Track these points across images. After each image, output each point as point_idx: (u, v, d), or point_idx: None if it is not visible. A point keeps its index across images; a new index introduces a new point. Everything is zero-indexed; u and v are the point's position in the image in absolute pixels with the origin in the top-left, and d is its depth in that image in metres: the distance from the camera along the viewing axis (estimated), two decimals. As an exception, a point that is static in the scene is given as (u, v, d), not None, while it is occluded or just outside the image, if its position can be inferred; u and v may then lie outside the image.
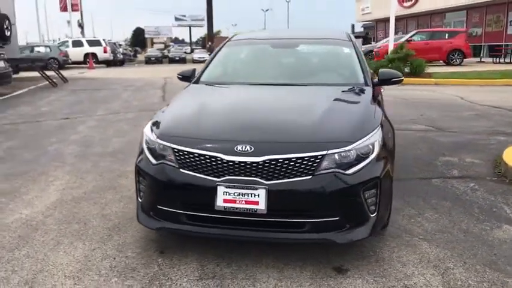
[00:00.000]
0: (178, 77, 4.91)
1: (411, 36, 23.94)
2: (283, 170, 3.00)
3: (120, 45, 51.48)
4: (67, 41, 35.21)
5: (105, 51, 33.45)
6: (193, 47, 77.07)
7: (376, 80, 4.46)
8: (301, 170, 3.00)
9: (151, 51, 50.17)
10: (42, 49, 29.66)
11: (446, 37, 23.59)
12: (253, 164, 3.01)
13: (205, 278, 3.04)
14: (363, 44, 31.79)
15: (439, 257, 3.29)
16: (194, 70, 4.89)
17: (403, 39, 22.47)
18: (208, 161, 3.09)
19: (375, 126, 3.35)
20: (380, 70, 4.54)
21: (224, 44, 5.24)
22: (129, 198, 4.47)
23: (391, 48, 17.96)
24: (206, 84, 4.55)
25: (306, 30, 8.62)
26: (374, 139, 3.22)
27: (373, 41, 40.33)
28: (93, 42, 34.03)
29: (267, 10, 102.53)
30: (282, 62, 4.94)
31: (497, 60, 24.44)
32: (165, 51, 56.59)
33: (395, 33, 30.55)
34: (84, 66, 30.99)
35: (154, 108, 7.80)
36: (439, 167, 5.50)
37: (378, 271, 3.11)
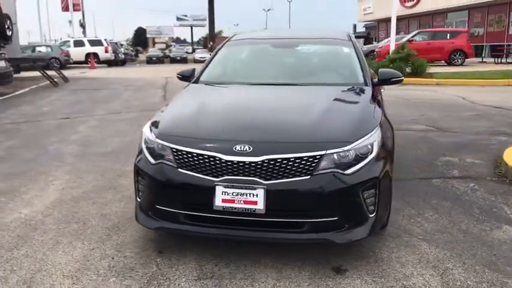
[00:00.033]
0: (178, 77, 4.91)
1: (413, 36, 23.91)
2: (281, 169, 3.00)
3: (121, 45, 51.52)
4: (68, 41, 35.25)
5: (106, 51, 33.48)
6: (195, 47, 77.15)
7: (376, 79, 4.45)
8: (299, 170, 2.99)
9: (153, 51, 50.23)
10: (43, 49, 29.71)
11: (448, 37, 23.56)
12: (252, 164, 3.01)
13: (204, 278, 3.04)
14: (365, 44, 31.77)
15: (438, 257, 3.28)
16: (194, 70, 4.89)
17: (404, 39, 22.45)
18: (206, 160, 3.08)
19: (374, 126, 3.34)
20: (380, 70, 4.53)
21: (224, 44, 5.24)
22: (128, 198, 4.47)
23: (392, 48, 17.94)
24: (206, 84, 4.54)
25: (306, 30, 8.62)
26: (373, 139, 3.21)
27: (375, 41, 40.28)
28: (95, 42, 34.05)
29: (268, 10, 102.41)
30: (281, 62, 4.93)
31: (499, 61, 24.39)
32: (167, 51, 56.59)
33: (397, 33, 30.58)
34: (86, 66, 31.03)
35: (155, 108, 7.79)
36: (439, 167, 5.49)
37: (377, 271, 3.10)
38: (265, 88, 4.32)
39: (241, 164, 3.02)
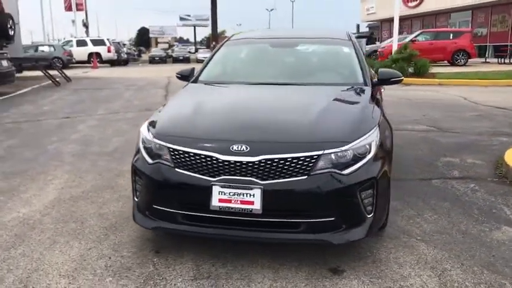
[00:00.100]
0: (177, 76, 4.91)
1: (416, 37, 23.86)
2: (278, 169, 2.98)
3: (124, 44, 51.60)
4: (71, 41, 35.29)
5: (109, 51, 33.51)
6: (198, 46, 77.16)
7: (376, 79, 4.43)
8: (296, 170, 2.98)
9: (156, 51, 50.26)
10: (46, 48, 29.73)
11: (451, 37, 23.49)
12: (249, 164, 2.99)
13: (200, 278, 3.03)
14: (368, 44, 31.66)
15: (437, 258, 3.26)
16: (193, 69, 4.88)
17: (407, 40, 22.40)
18: (203, 160, 3.07)
19: (372, 126, 3.31)
20: (379, 70, 4.51)
21: (223, 44, 5.23)
22: (126, 197, 4.46)
23: (395, 48, 17.90)
24: (205, 84, 4.53)
25: (306, 29, 8.60)
26: (371, 139, 3.19)
27: (378, 41, 40.20)
28: (97, 42, 34.09)
29: (271, 10, 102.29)
30: (280, 62, 4.91)
31: (502, 61, 24.31)
32: (169, 50, 56.65)
33: (400, 33, 30.51)
34: (88, 65, 31.05)
35: (156, 108, 7.78)
36: (439, 168, 5.46)
37: (375, 272, 3.08)
38: (263, 88, 4.31)
39: (238, 163, 3.01)
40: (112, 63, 34.04)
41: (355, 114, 3.50)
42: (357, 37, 32.12)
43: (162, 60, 44.13)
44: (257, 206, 2.95)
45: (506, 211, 4.11)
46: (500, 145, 6.43)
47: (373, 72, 5.25)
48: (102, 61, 32.85)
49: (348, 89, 4.13)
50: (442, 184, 4.87)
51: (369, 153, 3.14)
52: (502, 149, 5.97)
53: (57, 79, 16.78)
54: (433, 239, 3.57)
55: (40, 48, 30.03)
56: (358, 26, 57.16)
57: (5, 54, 13.83)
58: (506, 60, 24.36)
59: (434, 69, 17.20)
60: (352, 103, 3.85)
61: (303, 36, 5.49)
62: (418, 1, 35.88)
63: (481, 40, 30.31)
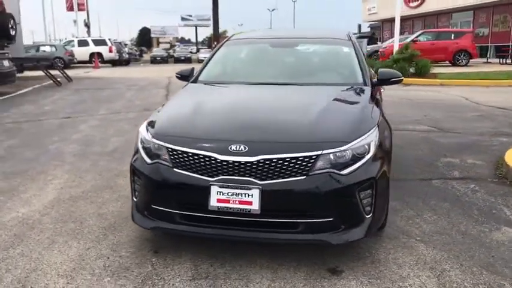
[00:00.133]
0: (177, 76, 4.91)
1: (417, 37, 23.83)
2: (277, 170, 2.97)
3: (125, 44, 51.63)
4: (73, 41, 35.31)
5: (110, 51, 33.52)
6: (199, 46, 77.12)
7: (375, 79, 4.42)
8: (295, 170, 2.97)
9: (157, 51, 50.25)
10: (47, 48, 29.77)
11: (452, 37, 23.46)
12: (247, 164, 2.99)
13: (198, 278, 3.02)
14: (369, 44, 31.62)
15: (436, 258, 3.25)
16: (193, 69, 4.88)
17: (408, 40, 22.38)
18: (202, 160, 3.06)
19: (371, 127, 3.31)
20: (379, 70, 4.50)
21: (223, 44, 5.22)
22: (126, 197, 4.45)
23: (396, 48, 17.89)
24: (204, 84, 4.53)
25: (306, 29, 8.59)
26: (370, 139, 3.19)
27: (379, 41, 40.15)
28: (99, 42, 34.11)
29: (273, 10, 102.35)
30: (280, 62, 4.91)
31: (504, 61, 24.27)
32: (171, 51, 56.63)
33: (402, 33, 30.46)
34: (90, 65, 31.08)
35: (157, 108, 7.79)
36: (440, 168, 5.45)
37: (373, 272, 3.07)
38: (263, 88, 4.30)
39: (236, 163, 3.00)
40: (113, 63, 34.07)
41: (354, 114, 3.49)
42: (358, 37, 32.28)
43: (163, 60, 44.13)
44: (255, 206, 2.94)
45: (506, 212, 4.10)
46: (501, 145, 6.42)
47: (373, 72, 5.24)
48: (103, 61, 32.89)
49: (347, 89, 4.12)
50: (442, 184, 4.85)
51: (368, 153, 3.13)
52: (502, 150, 5.96)
53: (59, 79, 16.79)
54: (432, 239, 3.56)
55: (41, 48, 30.06)
56: (359, 26, 57.14)
57: (6, 54, 13.85)
58: (508, 61, 24.34)
59: (435, 70, 17.18)
60: (352, 103, 3.85)
61: (302, 36, 5.48)
62: (419, 1, 35.85)
63: (482, 40, 30.26)
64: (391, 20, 31.28)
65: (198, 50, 62.03)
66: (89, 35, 44.36)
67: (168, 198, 3.19)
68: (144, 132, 3.48)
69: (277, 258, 3.24)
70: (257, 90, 4.26)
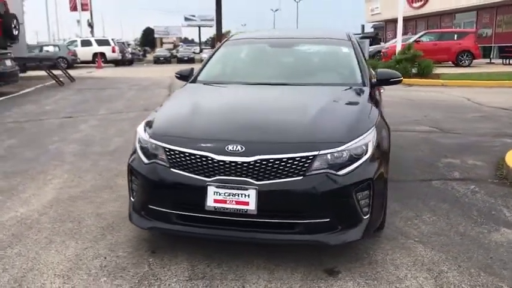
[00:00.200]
0: (176, 76, 4.91)
1: (420, 37, 23.76)
2: (274, 170, 2.97)
3: (129, 44, 51.68)
4: (76, 41, 35.39)
5: (113, 51, 33.57)
6: (203, 47, 77.17)
7: (374, 80, 4.41)
8: (292, 170, 2.96)
9: (160, 51, 50.30)
10: (51, 48, 29.85)
11: (455, 38, 23.38)
12: (244, 164, 2.98)
13: (195, 278, 3.02)
14: (372, 45, 31.56)
15: (434, 260, 3.24)
16: (192, 69, 4.88)
17: (411, 40, 22.33)
18: (198, 160, 3.06)
19: (369, 127, 3.29)
20: (378, 70, 4.49)
21: (222, 44, 5.22)
22: (125, 197, 4.41)
23: (398, 49, 17.85)
24: (203, 84, 4.53)
25: (305, 30, 8.59)
26: (368, 140, 3.17)
27: (383, 41, 40.08)
28: (102, 42, 34.16)
29: (276, 10, 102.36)
30: (279, 62, 4.90)
31: (507, 62, 24.17)
32: (174, 51, 56.66)
33: (405, 33, 30.40)
34: (93, 65, 31.13)
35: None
36: (440, 169, 5.43)
37: (370, 274, 3.06)
38: (262, 88, 4.29)
39: (233, 164, 2.99)
40: (116, 63, 34.12)
41: (352, 115, 3.48)
42: (361, 37, 32.22)
43: (166, 61, 44.14)
44: (252, 206, 2.94)
45: (506, 213, 4.08)
46: (502, 146, 6.39)
47: (373, 72, 5.21)
48: (106, 61, 32.96)
49: (346, 89, 4.10)
50: (442, 185, 4.83)
51: (366, 153, 3.12)
52: (503, 150, 5.93)
53: (61, 79, 16.82)
54: (430, 240, 3.54)
55: (45, 48, 30.16)
56: (363, 27, 57.05)
57: (9, 54, 13.88)
58: (511, 61, 24.22)
59: (438, 70, 17.13)
60: (350, 103, 3.83)
61: (302, 37, 5.47)
62: (422, 2, 35.80)
63: (486, 41, 30.17)
64: (395, 21, 31.23)
65: (201, 51, 62.13)
66: (93, 35, 44.48)
67: (165, 198, 3.19)
68: (141, 132, 3.48)
69: (274, 258, 3.23)
70: (255, 91, 4.25)
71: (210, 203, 2.99)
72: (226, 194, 2.97)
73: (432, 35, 24.48)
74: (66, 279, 3.03)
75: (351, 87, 4.13)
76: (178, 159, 3.12)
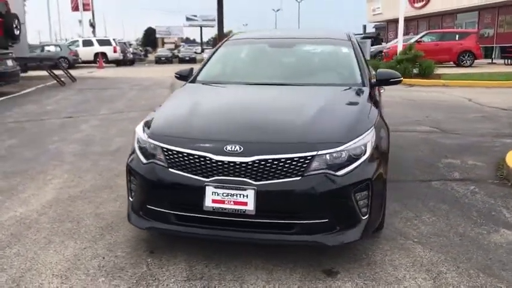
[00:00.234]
0: (176, 76, 4.90)
1: (421, 37, 23.74)
2: (272, 170, 2.96)
3: (130, 44, 51.70)
4: (77, 41, 35.41)
5: (115, 51, 33.58)
6: (204, 47, 77.14)
7: (374, 80, 4.40)
8: (290, 170, 2.96)
9: (162, 51, 50.26)
10: (52, 48, 29.87)
11: (457, 38, 23.35)
12: (242, 164, 2.98)
13: (193, 278, 3.01)
14: (374, 45, 31.51)
15: (433, 260, 3.23)
16: (191, 69, 4.88)
17: (412, 40, 22.30)
18: (197, 160, 3.05)
19: (368, 127, 3.28)
20: (378, 70, 4.48)
21: (222, 44, 5.21)
22: (124, 197, 4.41)
23: (400, 49, 17.83)
24: (202, 84, 4.52)
25: (305, 30, 8.58)
26: (366, 140, 3.17)
27: (384, 41, 40.04)
28: (103, 42, 34.16)
29: (277, 10, 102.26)
30: (278, 62, 4.88)
31: (509, 62, 24.13)
32: (176, 51, 56.63)
33: (407, 34, 30.34)
34: (94, 65, 31.13)
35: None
36: (440, 169, 5.41)
37: (369, 274, 3.05)
38: (261, 88, 4.28)
39: (231, 164, 2.99)
40: (118, 63, 34.12)
41: (351, 115, 3.47)
42: (363, 38, 32.18)
43: (168, 61, 44.09)
44: (250, 206, 2.93)
45: (506, 213, 4.07)
46: (503, 147, 6.37)
47: (373, 72, 5.21)
48: (108, 61, 32.94)
49: (345, 89, 4.09)
50: (442, 186, 4.82)
51: (364, 154, 3.11)
52: (504, 151, 5.92)
53: (62, 79, 16.83)
54: (430, 241, 3.54)
55: (46, 48, 30.18)
56: (364, 27, 57.02)
57: (10, 54, 13.89)
58: (513, 61, 24.19)
59: (439, 70, 17.11)
60: (349, 104, 3.82)
61: (301, 37, 5.46)
62: (424, 2, 35.75)
63: (487, 41, 30.13)
64: (396, 21, 31.17)
65: (202, 51, 62.05)
66: (94, 35, 44.48)
67: (163, 199, 3.18)
68: (140, 132, 3.48)
69: (273, 259, 3.22)
70: (254, 91, 4.24)
71: (208, 203, 2.99)
72: (224, 194, 2.97)
73: (434, 35, 24.44)
74: (64, 279, 3.03)
75: (350, 88, 4.12)
76: (177, 159, 3.11)
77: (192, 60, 43.58)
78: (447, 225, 3.83)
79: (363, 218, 3.08)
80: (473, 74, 17.39)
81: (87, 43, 34.02)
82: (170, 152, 3.15)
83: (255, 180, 2.95)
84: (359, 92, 4.00)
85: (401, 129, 7.65)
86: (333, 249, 3.26)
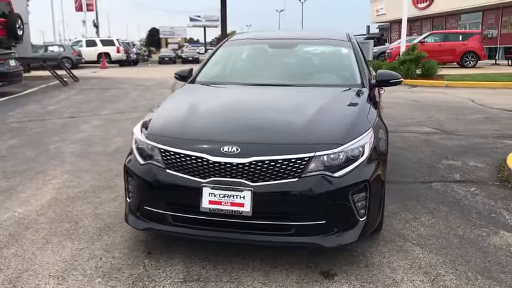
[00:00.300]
0: (176, 77, 4.90)
1: (424, 38, 23.70)
2: (269, 171, 2.94)
3: (134, 45, 51.73)
4: (81, 41, 35.50)
5: (118, 51, 33.61)
6: (208, 47, 77.19)
7: (374, 81, 4.38)
8: (287, 172, 2.94)
9: (165, 52, 50.22)
10: (56, 48, 29.98)
11: (460, 39, 23.31)
12: (239, 166, 2.96)
13: (190, 280, 3.00)
14: (378, 45, 31.45)
15: (431, 263, 3.21)
16: (191, 70, 4.87)
17: (416, 41, 22.26)
18: (194, 161, 3.04)
19: (366, 128, 3.27)
20: (378, 71, 4.46)
21: (222, 44, 5.20)
22: (123, 198, 4.42)
23: (403, 49, 17.78)
24: (201, 84, 4.51)
25: (305, 30, 8.56)
26: (365, 141, 3.15)
27: (388, 42, 39.96)
28: (107, 42, 34.23)
29: (281, 11, 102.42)
30: (278, 63, 4.87)
31: (513, 63, 24.07)
32: (179, 51, 56.65)
33: (410, 34, 30.26)
34: (97, 65, 31.20)
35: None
36: (441, 171, 5.39)
37: (366, 276, 3.04)
38: (260, 89, 4.27)
39: (228, 165, 2.98)
40: (121, 63, 34.16)
41: (350, 116, 3.45)
42: (366, 38, 32.06)
43: (171, 61, 44.06)
44: (247, 208, 2.92)
45: (506, 215, 4.04)
46: (505, 148, 6.34)
47: (374, 73, 5.19)
48: (111, 61, 33.00)
49: (344, 90, 4.07)
50: (442, 187, 4.80)
51: (362, 155, 3.10)
52: (505, 152, 5.90)
53: (65, 79, 16.87)
54: (428, 243, 3.51)
55: (50, 48, 30.30)
56: (368, 27, 56.90)
57: (13, 54, 13.93)
58: (517, 62, 24.12)
59: (442, 71, 17.07)
60: (348, 105, 3.78)
61: (301, 37, 5.44)
62: (428, 2, 35.67)
63: (491, 42, 30.03)
64: (400, 21, 31.14)
65: (206, 51, 62.12)
66: (98, 35, 44.59)
67: (160, 200, 3.17)
68: (138, 133, 3.47)
69: (271, 260, 3.21)
70: (253, 91, 4.23)
71: (205, 204, 2.97)
72: (221, 196, 2.96)
73: (437, 35, 24.42)
74: (61, 280, 3.02)
75: (349, 88, 4.10)
76: (174, 160, 3.10)
77: (195, 61, 43.51)
78: (446, 227, 3.81)
79: (361, 219, 3.06)
80: (477, 75, 17.34)
81: (91, 43, 34.08)
82: (167, 153, 3.14)
83: (252, 182, 2.94)
84: (358, 93, 3.98)
85: (403, 130, 7.63)
86: (331, 251, 3.25)
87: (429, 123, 8.39)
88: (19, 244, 3.55)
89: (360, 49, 4.81)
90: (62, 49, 29.58)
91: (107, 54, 32.67)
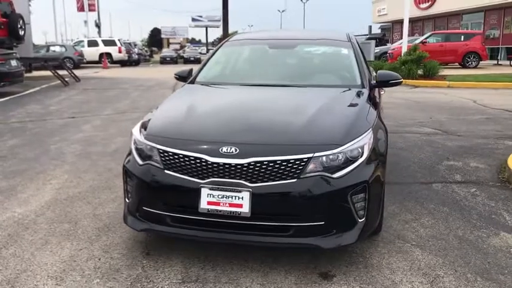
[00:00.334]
0: (175, 77, 4.89)
1: (426, 38, 23.65)
2: (268, 172, 2.94)
3: (135, 45, 51.75)
4: (82, 41, 35.53)
5: (119, 51, 33.64)
6: (210, 47, 77.20)
7: (374, 81, 4.37)
8: (286, 172, 2.93)
9: (166, 52, 50.25)
10: (57, 48, 30.02)
11: (462, 39, 23.24)
12: (238, 166, 2.95)
13: (188, 281, 2.99)
14: (379, 46, 31.38)
15: (430, 264, 3.20)
16: (191, 70, 4.87)
17: (417, 41, 22.22)
18: (192, 162, 3.04)
19: (365, 129, 3.25)
20: (378, 72, 4.45)
21: (222, 44, 5.19)
22: (122, 198, 4.40)
23: (404, 50, 17.76)
24: (201, 85, 4.51)
25: (305, 31, 8.55)
26: (364, 142, 3.14)
27: (390, 42, 39.90)
28: (108, 42, 34.25)
29: (283, 11, 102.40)
30: (278, 63, 4.86)
31: (515, 63, 24.00)
32: (181, 51, 56.66)
33: (412, 34, 30.21)
34: (99, 65, 31.23)
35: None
36: (441, 172, 5.37)
37: (365, 278, 3.03)
38: (259, 89, 4.25)
39: (227, 166, 2.97)
40: (123, 63, 34.18)
41: (349, 117, 3.43)
42: (368, 38, 32.04)
43: (173, 61, 44.05)
44: (246, 209, 2.91)
45: (506, 217, 4.03)
46: (506, 149, 6.32)
47: (374, 73, 5.18)
48: (113, 61, 33.02)
49: (344, 91, 4.06)
50: (442, 188, 4.78)
51: (361, 156, 3.09)
52: (506, 153, 5.88)
53: (67, 79, 16.88)
54: (428, 244, 3.50)
55: (51, 48, 30.34)
56: (370, 28, 56.88)
57: (14, 54, 13.95)
58: (519, 63, 24.05)
59: (444, 72, 17.03)
60: (347, 105, 3.77)
61: (301, 38, 5.42)
62: (429, 2, 35.61)
63: (493, 42, 29.97)
64: (402, 22, 31.07)
65: (208, 51, 62.08)
66: (100, 36, 44.61)
67: (158, 200, 3.17)
68: (137, 134, 3.46)
69: (270, 261, 3.20)
70: (252, 92, 4.22)
71: (203, 205, 2.97)
72: (219, 196, 2.95)
73: (439, 36, 24.36)
74: (59, 280, 3.02)
75: (349, 89, 4.09)
76: (172, 161, 3.10)
77: (197, 61, 43.49)
78: (446, 228, 3.80)
79: (360, 220, 3.05)
80: (478, 76, 17.30)
81: (92, 43, 34.12)
82: (166, 154, 3.13)
83: (251, 182, 2.93)
84: (358, 94, 3.97)
85: (404, 131, 7.61)
86: (330, 251, 3.24)
87: (430, 124, 8.37)
88: (18, 244, 3.55)
89: (360, 49, 4.80)
90: (63, 49, 29.62)
91: (109, 55, 32.71)
